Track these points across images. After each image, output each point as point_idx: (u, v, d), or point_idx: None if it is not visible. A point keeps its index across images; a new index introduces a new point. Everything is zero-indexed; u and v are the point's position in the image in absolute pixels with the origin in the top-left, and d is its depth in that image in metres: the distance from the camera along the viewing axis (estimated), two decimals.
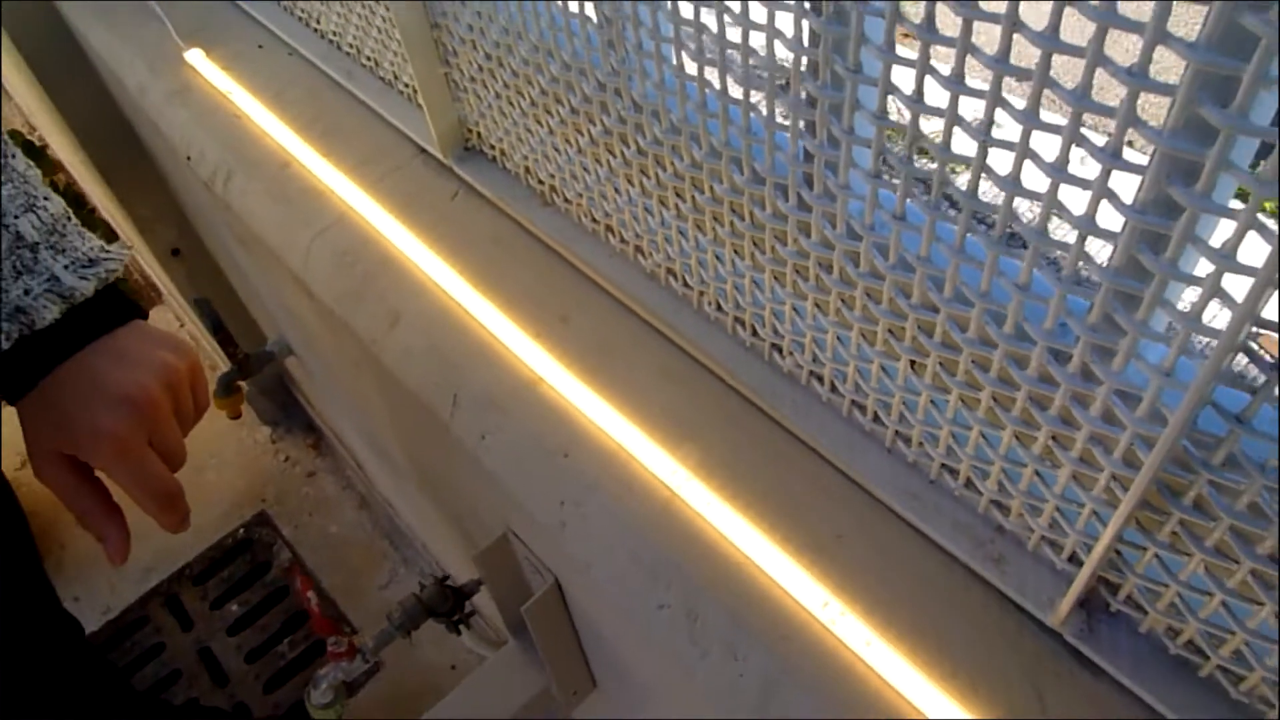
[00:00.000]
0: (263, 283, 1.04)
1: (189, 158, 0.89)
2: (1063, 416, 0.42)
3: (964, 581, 0.51)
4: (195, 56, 0.94)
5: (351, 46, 0.87)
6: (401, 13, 0.68)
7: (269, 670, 1.49)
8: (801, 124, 0.45)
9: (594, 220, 0.67)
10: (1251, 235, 0.30)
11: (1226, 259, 0.31)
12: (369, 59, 0.85)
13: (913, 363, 0.49)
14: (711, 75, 0.48)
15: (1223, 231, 0.31)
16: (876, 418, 0.54)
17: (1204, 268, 0.32)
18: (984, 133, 0.36)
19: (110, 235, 1.73)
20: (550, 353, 0.64)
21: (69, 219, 0.63)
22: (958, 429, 0.49)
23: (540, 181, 0.71)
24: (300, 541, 1.64)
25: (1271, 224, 0.30)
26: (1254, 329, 0.32)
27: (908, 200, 0.42)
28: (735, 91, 0.47)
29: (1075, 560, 0.47)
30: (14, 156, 0.63)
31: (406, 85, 0.81)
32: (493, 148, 0.75)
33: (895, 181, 0.42)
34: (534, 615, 0.68)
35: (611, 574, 0.56)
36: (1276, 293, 0.30)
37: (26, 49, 1.14)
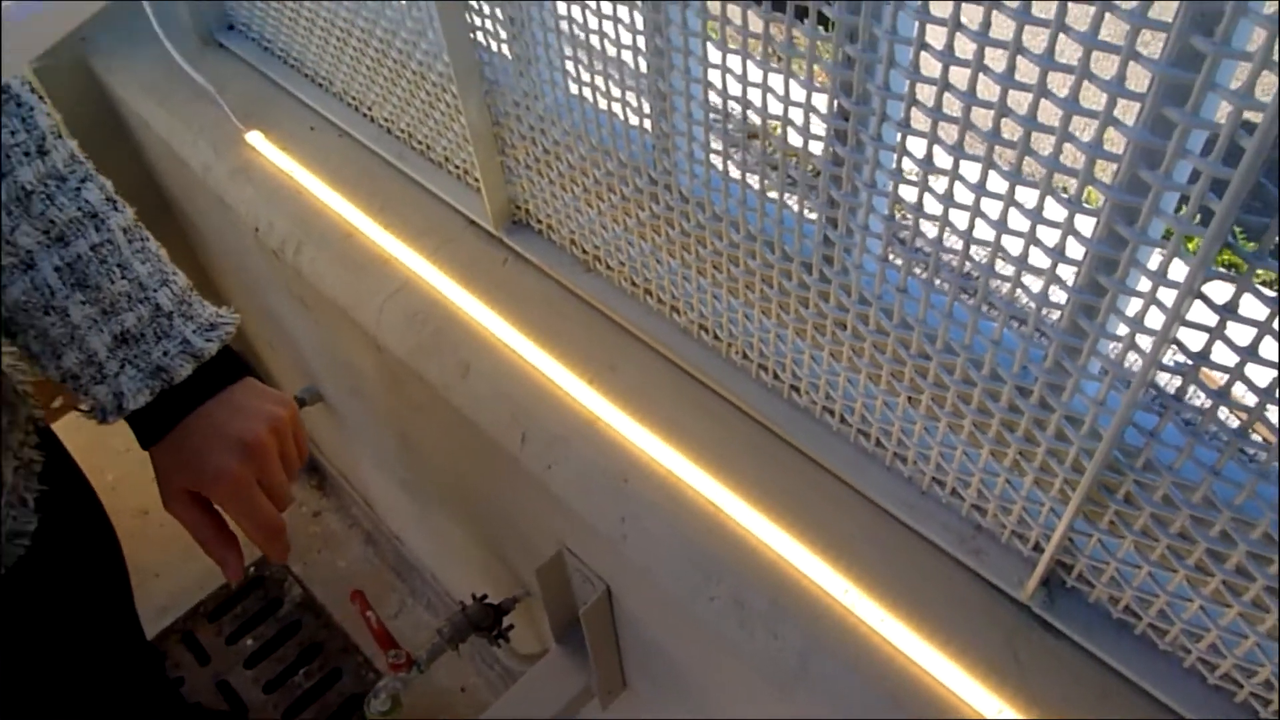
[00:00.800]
0: (311, 338, 1.15)
1: (257, 229, 1.01)
2: (1026, 436, 0.54)
3: (952, 569, 0.63)
4: (255, 138, 1.06)
5: (404, 132, 0.99)
6: (470, 112, 0.81)
7: (287, 699, 1.57)
8: (825, 219, 0.59)
9: (634, 284, 0.80)
10: (1153, 309, 0.44)
11: (1138, 324, 0.45)
12: (420, 143, 0.98)
13: (909, 398, 0.62)
14: (752, 179, 0.61)
15: (1134, 304, 0.45)
16: (878, 442, 0.67)
17: (1123, 329, 0.46)
18: (969, 232, 0.50)
19: None
20: (604, 396, 0.76)
21: (192, 290, 0.75)
22: (945, 449, 0.61)
23: (584, 251, 0.84)
24: (310, 577, 1.72)
25: (1165, 298, 0.44)
26: (1158, 371, 0.46)
27: (909, 277, 0.56)
28: (771, 192, 0.61)
29: (1038, 548, 0.60)
30: (148, 239, 0.74)
31: (457, 167, 0.94)
32: (540, 222, 0.88)
33: (899, 262, 0.56)
34: (589, 619, 0.80)
35: (669, 575, 0.68)
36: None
37: (76, 130, 1.25)
